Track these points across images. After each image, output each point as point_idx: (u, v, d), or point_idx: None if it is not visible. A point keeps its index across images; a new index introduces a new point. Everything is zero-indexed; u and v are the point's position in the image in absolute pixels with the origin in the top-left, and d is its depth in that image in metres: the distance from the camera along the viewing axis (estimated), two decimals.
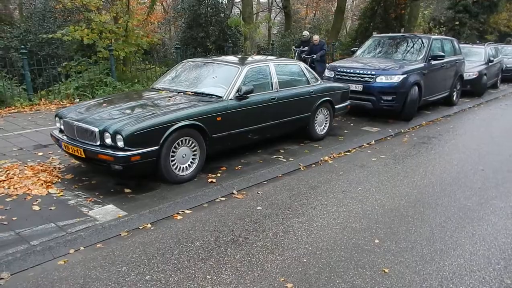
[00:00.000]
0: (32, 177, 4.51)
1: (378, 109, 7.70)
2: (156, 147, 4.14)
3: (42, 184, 4.33)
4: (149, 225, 3.59)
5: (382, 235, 3.51)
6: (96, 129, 4.10)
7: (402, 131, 7.40)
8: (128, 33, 10.36)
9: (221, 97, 4.91)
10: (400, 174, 5.10)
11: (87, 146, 4.16)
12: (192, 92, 5.10)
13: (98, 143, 4.10)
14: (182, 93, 5.12)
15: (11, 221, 3.53)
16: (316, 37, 11.35)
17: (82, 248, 3.21)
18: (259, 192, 4.39)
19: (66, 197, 4.06)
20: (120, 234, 3.43)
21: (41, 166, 4.86)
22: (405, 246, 3.33)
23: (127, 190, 4.24)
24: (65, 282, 2.79)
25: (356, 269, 2.99)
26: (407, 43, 8.94)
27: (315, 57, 10.92)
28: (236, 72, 5.18)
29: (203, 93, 5.04)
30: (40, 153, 5.43)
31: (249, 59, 5.92)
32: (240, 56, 6.59)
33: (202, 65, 5.79)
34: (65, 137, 4.52)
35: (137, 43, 10.62)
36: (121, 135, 3.95)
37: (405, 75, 7.52)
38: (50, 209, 3.78)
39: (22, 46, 9.21)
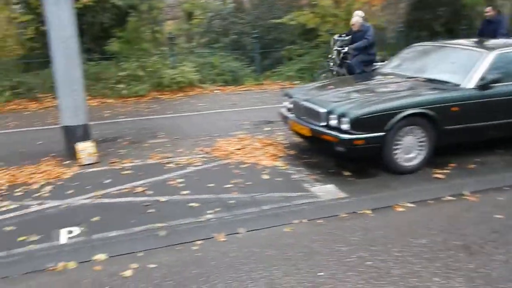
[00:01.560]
0: (261, 149, 5.05)
1: None
2: (381, 134, 3.99)
3: (269, 156, 4.79)
4: (369, 211, 3.52)
5: None
6: (323, 110, 4.25)
7: None
8: (350, 16, 10.42)
9: (458, 85, 4.35)
10: None
11: (313, 126, 4.36)
12: (423, 78, 4.70)
13: (324, 123, 4.23)
14: (411, 79, 4.78)
15: (246, 185, 4.06)
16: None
17: (304, 220, 3.39)
18: (499, 198, 3.72)
19: (289, 171, 4.38)
20: (340, 215, 3.48)
21: (268, 140, 5.39)
22: None
23: (346, 173, 4.27)
24: (291, 248, 3.00)
25: None
26: None
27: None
28: (480, 58, 4.47)
29: (435, 80, 4.57)
30: (267, 128, 6.05)
31: (497, 42, 5.06)
32: (481, 39, 5.69)
33: (434, 50, 5.31)
34: (292, 115, 4.87)
35: None
36: (347, 118, 3.97)
37: None
38: (276, 180, 4.16)
39: (254, 31, 10.49)
